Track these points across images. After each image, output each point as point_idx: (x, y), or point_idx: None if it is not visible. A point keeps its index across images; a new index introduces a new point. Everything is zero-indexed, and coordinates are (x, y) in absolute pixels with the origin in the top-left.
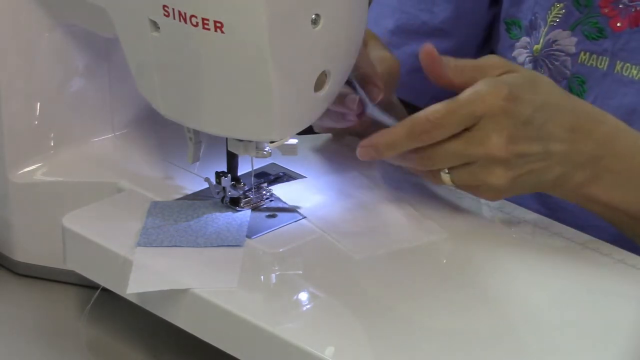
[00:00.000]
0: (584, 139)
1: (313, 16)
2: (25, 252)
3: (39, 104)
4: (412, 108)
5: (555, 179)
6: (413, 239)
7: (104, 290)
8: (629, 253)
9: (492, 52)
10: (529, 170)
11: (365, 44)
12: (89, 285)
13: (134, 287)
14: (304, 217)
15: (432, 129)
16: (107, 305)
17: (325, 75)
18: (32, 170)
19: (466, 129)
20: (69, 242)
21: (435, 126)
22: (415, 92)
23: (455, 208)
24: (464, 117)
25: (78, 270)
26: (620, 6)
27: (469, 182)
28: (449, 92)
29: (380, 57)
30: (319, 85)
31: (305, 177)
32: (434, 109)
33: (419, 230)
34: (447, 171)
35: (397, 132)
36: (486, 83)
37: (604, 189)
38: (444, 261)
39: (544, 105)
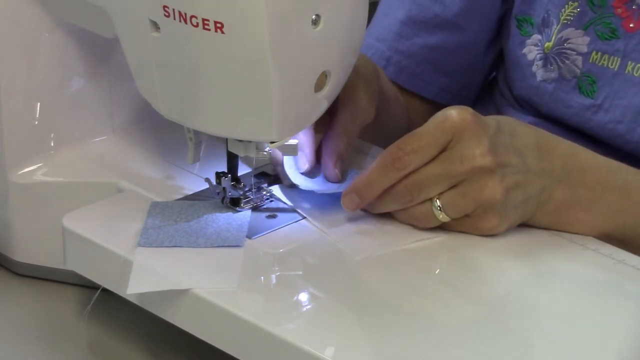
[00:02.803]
0: (549, 154)
1: (313, 16)
2: (25, 252)
3: (39, 104)
4: (420, 100)
5: (539, 194)
6: (413, 240)
7: (104, 290)
8: (630, 254)
9: (501, 48)
10: (516, 182)
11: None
12: (89, 285)
13: (134, 288)
14: (304, 217)
15: (404, 155)
16: (107, 305)
17: (325, 75)
18: (32, 170)
19: (442, 151)
20: (69, 242)
21: (406, 152)
22: (423, 83)
23: None
24: (434, 137)
25: (78, 271)
26: (634, 7)
27: (462, 206)
28: (459, 83)
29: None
30: (319, 85)
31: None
32: (404, 137)
33: (419, 230)
34: (438, 205)
35: (371, 168)
36: (448, 108)
37: (584, 209)
38: (444, 261)
39: (503, 122)
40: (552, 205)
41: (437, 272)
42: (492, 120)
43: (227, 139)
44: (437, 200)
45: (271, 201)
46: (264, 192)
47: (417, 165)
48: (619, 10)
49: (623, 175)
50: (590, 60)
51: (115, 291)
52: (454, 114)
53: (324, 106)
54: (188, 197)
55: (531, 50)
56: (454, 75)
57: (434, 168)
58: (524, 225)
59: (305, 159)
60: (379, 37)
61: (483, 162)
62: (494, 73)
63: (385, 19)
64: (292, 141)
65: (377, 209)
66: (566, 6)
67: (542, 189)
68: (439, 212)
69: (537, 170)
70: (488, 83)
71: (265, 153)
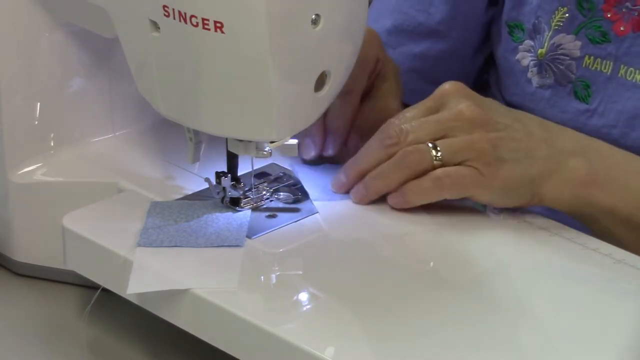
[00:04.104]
0: (559, 135)
1: (313, 16)
2: (25, 252)
3: (39, 104)
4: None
5: (546, 159)
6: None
7: (104, 290)
8: (629, 253)
9: (492, 53)
10: (512, 137)
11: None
12: (89, 285)
13: (134, 288)
14: (317, 212)
15: (396, 119)
16: (107, 305)
17: (325, 75)
18: (32, 170)
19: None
20: (69, 242)
21: (398, 118)
22: (410, 92)
23: (454, 209)
24: (424, 103)
25: (78, 271)
26: (624, 10)
27: (455, 146)
28: None
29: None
30: (319, 85)
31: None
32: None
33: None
34: (431, 145)
35: (371, 138)
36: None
37: (602, 188)
38: (443, 261)
39: (500, 103)
40: (569, 173)
41: (437, 272)
42: (488, 99)
43: (227, 138)
44: (430, 144)
45: (271, 201)
46: (264, 192)
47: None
48: (609, 14)
49: (637, 163)
50: (584, 65)
51: (115, 291)
52: (445, 84)
53: (324, 106)
54: (188, 197)
55: (524, 56)
56: (441, 84)
57: (423, 118)
58: (523, 225)
59: (313, 146)
60: None
61: (470, 112)
62: (486, 76)
63: (374, 26)
64: (292, 141)
65: (366, 157)
66: (556, 12)
67: (551, 156)
68: (432, 150)
69: (543, 138)
70: (481, 86)
71: (265, 153)
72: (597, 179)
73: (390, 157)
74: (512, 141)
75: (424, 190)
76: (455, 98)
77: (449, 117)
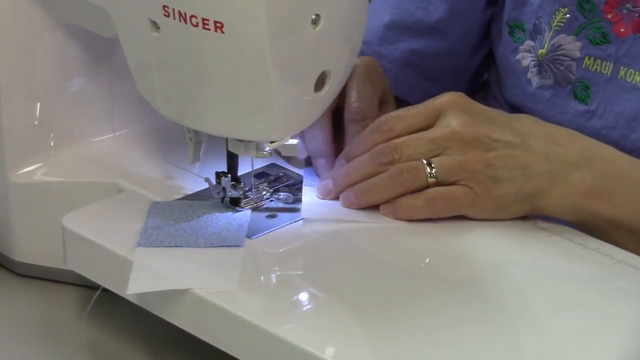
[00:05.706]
0: (566, 144)
1: (313, 16)
2: (25, 252)
3: (39, 104)
4: (404, 103)
5: (545, 174)
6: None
7: (104, 290)
8: (629, 253)
9: (491, 53)
10: (509, 154)
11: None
12: (89, 285)
13: (134, 288)
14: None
15: (390, 119)
16: (107, 305)
17: (325, 75)
18: (32, 170)
19: (429, 126)
20: (69, 242)
21: (392, 117)
22: (407, 87)
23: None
24: (421, 109)
25: (78, 271)
26: (624, 11)
27: (450, 165)
28: (445, 88)
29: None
30: (319, 85)
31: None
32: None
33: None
34: (425, 162)
35: (363, 132)
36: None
37: (606, 200)
38: (444, 263)
39: (503, 113)
40: (570, 188)
41: (436, 272)
42: (486, 108)
43: (227, 138)
44: (425, 161)
45: (271, 201)
46: (264, 192)
47: (401, 132)
48: (609, 15)
49: None
50: (584, 66)
51: (115, 291)
52: (445, 95)
53: (324, 106)
54: (188, 197)
55: (525, 56)
56: (438, 80)
57: (416, 134)
58: (523, 225)
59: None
60: (364, 40)
61: (463, 130)
62: (486, 76)
63: (370, 22)
64: (292, 141)
65: (358, 172)
66: (557, 12)
67: (551, 171)
68: (427, 167)
69: (544, 152)
70: (481, 87)
71: (265, 153)
72: (600, 191)
73: (380, 140)
74: (508, 159)
75: (417, 209)
76: (451, 112)
77: (443, 136)
